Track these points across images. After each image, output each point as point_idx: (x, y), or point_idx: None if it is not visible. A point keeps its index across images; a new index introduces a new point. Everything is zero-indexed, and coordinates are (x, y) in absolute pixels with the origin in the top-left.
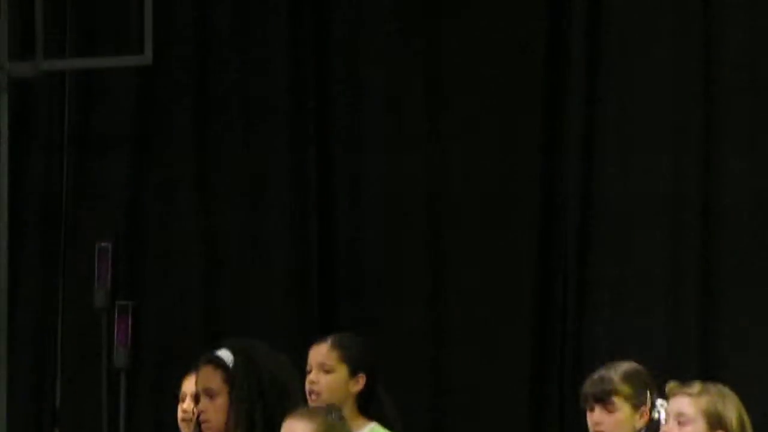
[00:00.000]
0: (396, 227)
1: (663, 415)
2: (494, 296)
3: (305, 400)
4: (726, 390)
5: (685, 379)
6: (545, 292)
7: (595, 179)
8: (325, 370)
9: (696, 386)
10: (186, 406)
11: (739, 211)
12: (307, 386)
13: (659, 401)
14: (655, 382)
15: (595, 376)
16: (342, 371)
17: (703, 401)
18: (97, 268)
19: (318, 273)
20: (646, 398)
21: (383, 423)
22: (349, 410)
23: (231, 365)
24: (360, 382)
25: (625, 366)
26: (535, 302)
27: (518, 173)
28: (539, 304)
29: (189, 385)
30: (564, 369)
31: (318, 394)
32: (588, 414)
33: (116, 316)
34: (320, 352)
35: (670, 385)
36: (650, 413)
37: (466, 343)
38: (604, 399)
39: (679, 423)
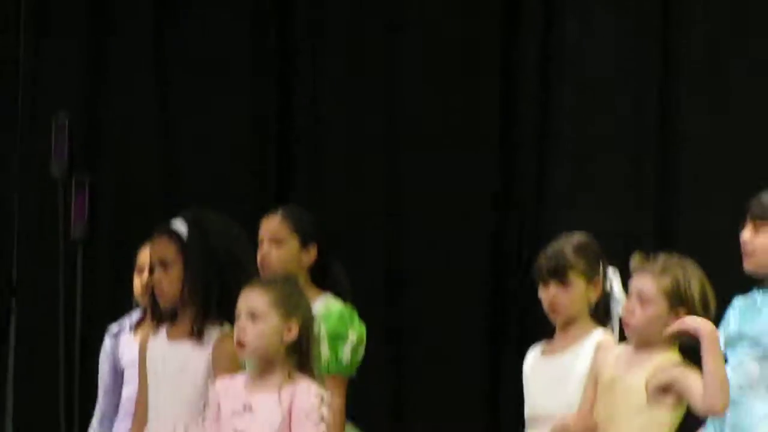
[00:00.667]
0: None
1: (615, 285)
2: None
3: (259, 272)
4: (690, 264)
5: None
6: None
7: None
8: (277, 241)
9: (659, 263)
10: (144, 276)
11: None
12: (259, 258)
13: (610, 270)
14: (603, 251)
15: (549, 250)
16: (293, 242)
17: (666, 280)
18: (54, 142)
19: (277, 146)
20: (599, 269)
21: (336, 293)
22: (302, 281)
23: (185, 236)
24: (311, 253)
25: (577, 238)
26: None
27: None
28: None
29: (146, 257)
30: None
31: (270, 265)
32: (542, 288)
33: (74, 190)
34: (271, 224)
35: (635, 259)
36: (603, 284)
37: (423, 228)
38: (558, 274)
39: (641, 301)
